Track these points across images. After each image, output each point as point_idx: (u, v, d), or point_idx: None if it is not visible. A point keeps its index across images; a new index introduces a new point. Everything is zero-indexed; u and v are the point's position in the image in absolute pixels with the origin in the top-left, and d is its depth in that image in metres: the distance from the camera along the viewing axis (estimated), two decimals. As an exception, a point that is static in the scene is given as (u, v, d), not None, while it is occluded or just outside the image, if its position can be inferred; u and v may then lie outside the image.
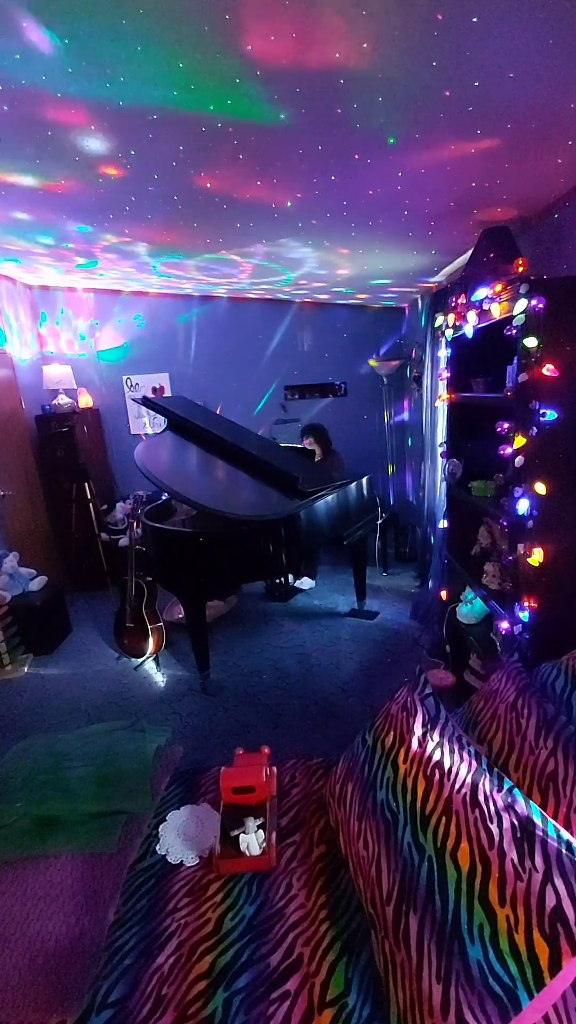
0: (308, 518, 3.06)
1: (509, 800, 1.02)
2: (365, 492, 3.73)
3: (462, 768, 1.13)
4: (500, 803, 1.03)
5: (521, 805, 1.01)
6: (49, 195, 2.23)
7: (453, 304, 2.33)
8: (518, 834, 0.96)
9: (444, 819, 1.07)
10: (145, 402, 3.40)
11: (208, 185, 2.07)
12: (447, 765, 1.16)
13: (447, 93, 1.36)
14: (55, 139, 1.74)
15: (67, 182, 2.10)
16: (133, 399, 4.00)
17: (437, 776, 1.15)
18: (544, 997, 0.84)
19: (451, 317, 2.38)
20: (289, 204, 2.22)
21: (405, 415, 4.91)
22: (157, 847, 1.46)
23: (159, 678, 3.22)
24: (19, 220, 2.60)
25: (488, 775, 1.09)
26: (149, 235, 2.82)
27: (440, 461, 2.86)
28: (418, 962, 0.95)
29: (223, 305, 4.81)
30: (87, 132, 1.67)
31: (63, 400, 4.40)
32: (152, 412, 4.00)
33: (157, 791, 1.62)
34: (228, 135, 1.65)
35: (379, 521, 3.81)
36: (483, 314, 2.00)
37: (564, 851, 0.91)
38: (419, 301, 4.14)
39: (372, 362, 4.66)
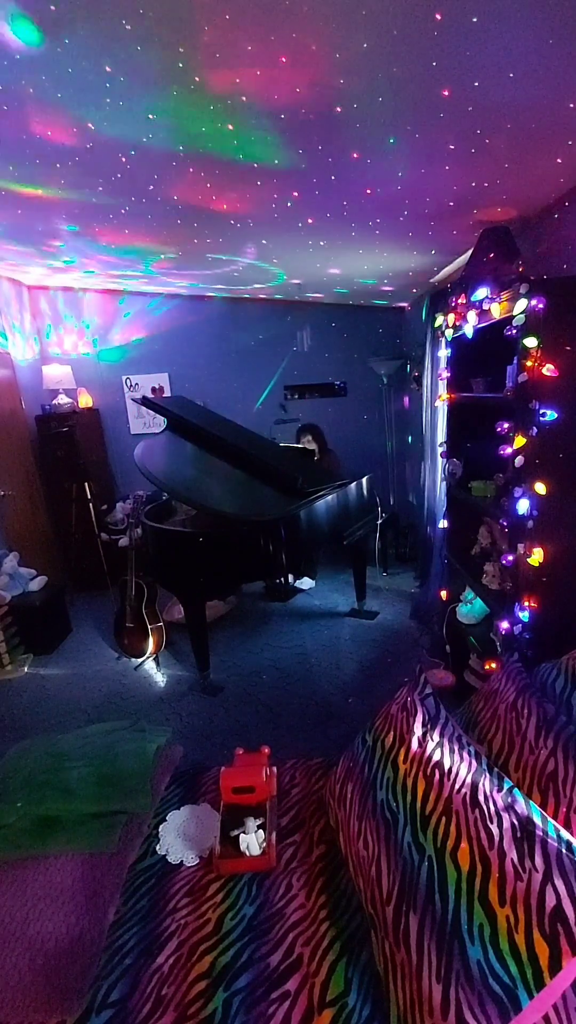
0: (308, 518, 3.06)
1: (509, 800, 1.02)
2: (365, 492, 3.73)
3: (462, 768, 1.13)
4: (500, 803, 1.03)
5: (521, 805, 1.01)
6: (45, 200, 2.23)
7: (453, 304, 2.33)
8: (518, 834, 0.96)
9: (444, 819, 1.07)
10: (145, 402, 3.40)
11: (208, 185, 2.07)
12: (447, 765, 1.16)
13: (447, 93, 1.36)
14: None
15: (62, 189, 2.10)
16: (133, 399, 4.00)
17: (437, 776, 1.15)
18: (544, 997, 0.84)
19: (451, 317, 2.38)
20: (289, 204, 2.22)
21: (405, 415, 4.91)
22: (157, 847, 1.46)
23: (159, 678, 3.22)
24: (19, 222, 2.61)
25: (488, 775, 1.09)
26: (149, 235, 2.82)
27: (440, 461, 2.86)
28: (418, 962, 0.95)
29: (222, 305, 4.81)
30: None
31: (63, 400, 4.40)
32: (151, 412, 4.00)
33: (157, 791, 1.62)
34: (227, 134, 1.65)
35: (379, 521, 3.81)
36: (483, 314, 2.00)
37: (564, 851, 0.91)
38: (419, 301, 4.14)
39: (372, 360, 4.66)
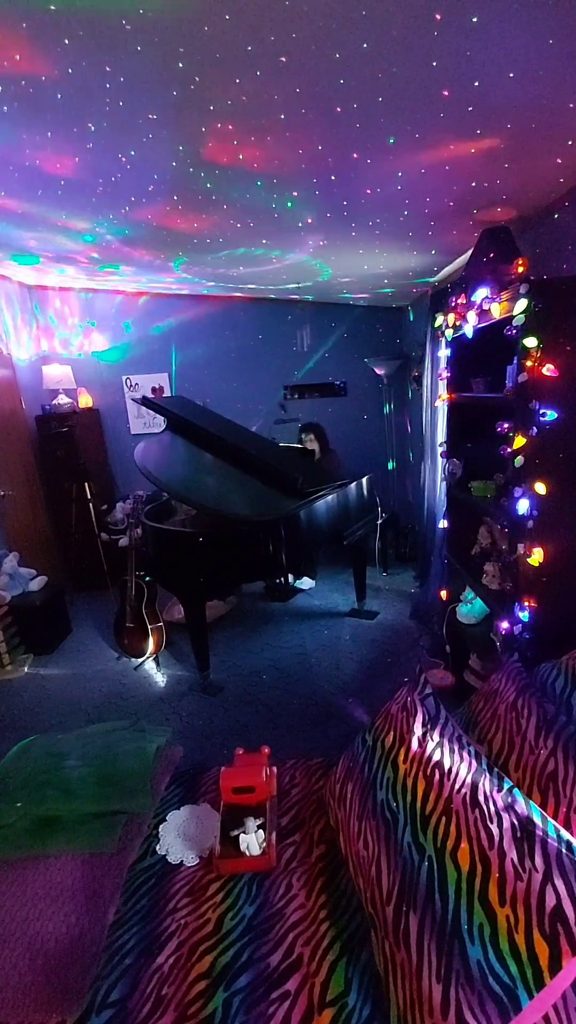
0: (308, 518, 3.06)
1: (509, 800, 1.02)
2: (365, 492, 3.73)
3: (462, 768, 1.13)
4: (500, 803, 1.03)
5: (521, 805, 1.01)
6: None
7: (453, 304, 2.33)
8: (518, 834, 0.96)
9: (444, 819, 1.07)
10: (144, 402, 3.40)
11: (208, 185, 2.07)
12: (447, 765, 1.16)
13: (447, 93, 1.36)
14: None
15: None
16: (133, 399, 4.00)
17: (437, 776, 1.15)
18: (544, 997, 0.84)
19: (451, 317, 2.38)
20: (289, 204, 2.22)
21: (405, 415, 4.91)
22: (157, 847, 1.46)
23: (159, 678, 3.22)
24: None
25: (488, 775, 1.09)
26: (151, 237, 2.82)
27: (440, 461, 2.86)
28: (418, 962, 0.95)
29: (223, 305, 4.81)
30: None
31: (63, 400, 4.40)
32: (151, 412, 4.00)
33: (157, 791, 1.62)
34: (228, 134, 1.65)
35: (379, 521, 3.81)
36: (483, 314, 2.00)
37: (564, 851, 0.91)
38: (419, 301, 4.13)
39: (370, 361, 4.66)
